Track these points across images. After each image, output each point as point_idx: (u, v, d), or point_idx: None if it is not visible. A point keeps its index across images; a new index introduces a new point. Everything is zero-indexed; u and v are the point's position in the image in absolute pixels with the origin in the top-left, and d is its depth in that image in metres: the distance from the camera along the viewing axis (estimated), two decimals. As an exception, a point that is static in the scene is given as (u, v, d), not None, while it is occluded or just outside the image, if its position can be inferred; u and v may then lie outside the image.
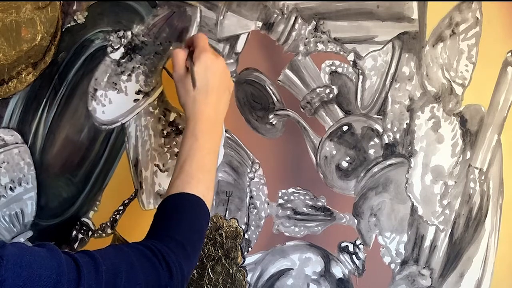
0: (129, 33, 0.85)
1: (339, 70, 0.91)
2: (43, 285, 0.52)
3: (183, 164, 0.74)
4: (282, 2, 0.88)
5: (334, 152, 0.93)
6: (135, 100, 0.87)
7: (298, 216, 0.93)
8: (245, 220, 0.92)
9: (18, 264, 0.52)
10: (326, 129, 0.92)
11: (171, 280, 0.65)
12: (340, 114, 0.92)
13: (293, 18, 0.89)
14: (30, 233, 0.86)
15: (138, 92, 0.87)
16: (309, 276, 0.94)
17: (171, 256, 0.65)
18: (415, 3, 0.91)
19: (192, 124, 0.76)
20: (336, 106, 0.92)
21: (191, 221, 0.71)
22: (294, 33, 0.89)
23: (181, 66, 0.78)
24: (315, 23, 0.89)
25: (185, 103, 0.78)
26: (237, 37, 0.88)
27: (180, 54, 0.79)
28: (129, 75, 0.86)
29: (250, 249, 0.92)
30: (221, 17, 0.87)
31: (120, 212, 0.89)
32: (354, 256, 0.94)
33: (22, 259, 0.53)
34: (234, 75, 0.89)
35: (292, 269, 0.93)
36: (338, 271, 0.94)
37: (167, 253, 0.65)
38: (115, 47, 0.85)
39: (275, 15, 0.88)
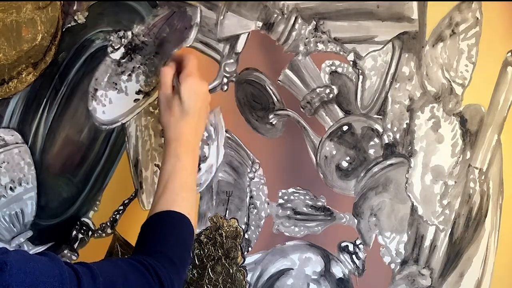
0: (129, 33, 0.86)
1: (339, 70, 0.91)
2: None
3: (167, 184, 0.75)
4: (282, 2, 0.88)
5: (334, 152, 0.93)
6: (136, 100, 0.87)
7: (298, 216, 0.93)
8: (245, 220, 0.92)
9: (22, 270, 0.53)
10: (326, 129, 0.92)
11: None
12: (340, 114, 0.92)
13: (293, 18, 0.89)
14: (30, 233, 0.87)
15: (138, 92, 0.87)
16: (309, 276, 0.94)
17: (162, 270, 0.67)
18: (415, 3, 0.91)
19: (174, 144, 0.77)
20: (336, 106, 0.92)
21: (179, 237, 0.72)
22: (294, 33, 0.89)
23: (168, 85, 0.79)
24: (315, 23, 0.89)
25: (167, 123, 0.79)
26: (237, 37, 0.89)
27: (168, 73, 0.80)
28: (129, 75, 0.86)
29: (250, 249, 0.92)
30: (221, 17, 0.87)
31: (120, 212, 0.89)
32: (354, 256, 0.94)
33: (26, 265, 0.53)
34: (234, 75, 0.89)
35: (292, 269, 0.93)
36: (338, 271, 0.94)
37: (158, 268, 0.66)
38: (116, 47, 0.85)
39: (275, 15, 0.88)
